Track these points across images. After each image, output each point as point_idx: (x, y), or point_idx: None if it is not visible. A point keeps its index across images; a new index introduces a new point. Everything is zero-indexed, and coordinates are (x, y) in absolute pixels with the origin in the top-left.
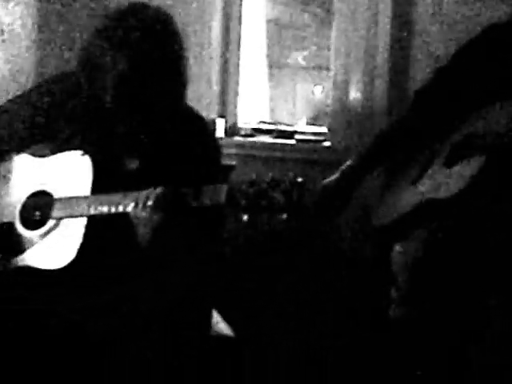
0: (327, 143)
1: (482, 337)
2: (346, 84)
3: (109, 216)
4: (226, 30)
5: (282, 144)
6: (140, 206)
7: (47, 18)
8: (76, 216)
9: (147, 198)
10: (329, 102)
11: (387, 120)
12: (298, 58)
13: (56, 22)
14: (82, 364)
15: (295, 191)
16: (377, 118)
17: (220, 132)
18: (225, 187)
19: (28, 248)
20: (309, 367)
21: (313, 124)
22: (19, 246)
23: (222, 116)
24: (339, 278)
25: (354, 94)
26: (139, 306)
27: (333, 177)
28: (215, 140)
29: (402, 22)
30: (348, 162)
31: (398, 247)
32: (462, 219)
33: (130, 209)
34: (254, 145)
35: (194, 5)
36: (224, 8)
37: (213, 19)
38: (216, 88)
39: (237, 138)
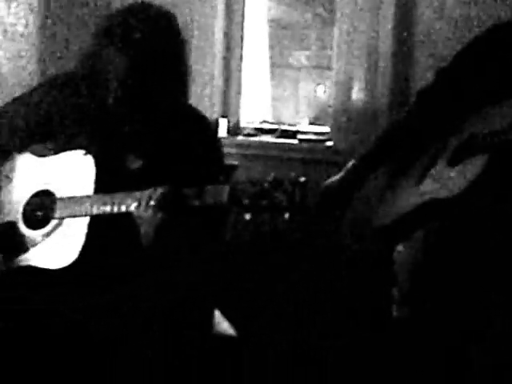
0: (329, 143)
1: (483, 337)
2: (349, 84)
3: (111, 216)
4: (229, 29)
5: (284, 144)
6: (143, 205)
7: (50, 18)
8: (79, 216)
9: (150, 198)
10: (331, 101)
11: (389, 120)
12: (301, 57)
13: (58, 22)
14: (83, 363)
15: (297, 191)
16: (379, 117)
17: (222, 132)
18: (227, 187)
19: (30, 248)
20: (309, 367)
21: (315, 124)
22: (22, 246)
23: (224, 116)
24: (341, 278)
25: (357, 94)
26: (141, 305)
27: (335, 177)
28: (217, 140)
29: (405, 21)
30: (350, 162)
31: (400, 247)
32: (464, 219)
33: (132, 208)
34: (256, 144)
35: (197, 5)
36: (226, 8)
37: (215, 19)
38: (218, 88)
39: (239, 138)
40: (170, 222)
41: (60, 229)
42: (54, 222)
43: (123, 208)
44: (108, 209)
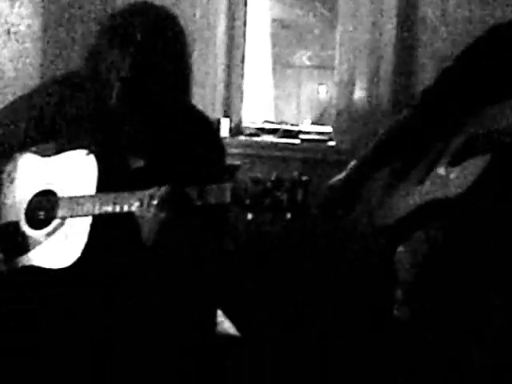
0: (332, 143)
1: (483, 337)
2: (351, 83)
3: (114, 215)
4: (231, 29)
5: (286, 144)
6: (145, 205)
7: (53, 18)
8: (81, 215)
9: (152, 198)
10: (333, 101)
11: (391, 120)
12: (303, 57)
13: (62, 22)
14: (84, 363)
15: (299, 190)
16: (381, 117)
17: (225, 132)
18: (229, 186)
19: (33, 247)
20: (309, 367)
21: (317, 124)
22: (24, 246)
23: (226, 116)
24: (342, 278)
25: (359, 94)
26: (143, 305)
27: (338, 176)
28: (220, 140)
29: (407, 21)
30: (353, 162)
31: (401, 247)
32: (465, 219)
33: (134, 208)
34: (258, 144)
35: (199, 4)
36: (229, 8)
37: (218, 19)
38: (221, 88)
39: (241, 138)
40: (172, 221)
41: (62, 228)
42: (56, 222)
43: (125, 208)
44: (110, 208)
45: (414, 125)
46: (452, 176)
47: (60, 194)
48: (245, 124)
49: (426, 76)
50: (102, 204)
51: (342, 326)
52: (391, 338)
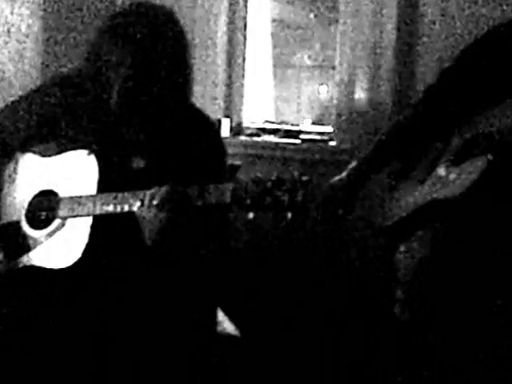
0: (332, 143)
1: (485, 337)
2: (352, 83)
3: (114, 215)
4: (232, 30)
5: (287, 144)
6: (145, 205)
7: (53, 18)
8: (82, 215)
9: (153, 197)
10: (334, 101)
11: (392, 119)
12: (304, 57)
13: (62, 23)
14: (85, 363)
15: (300, 190)
16: (382, 117)
17: (225, 132)
18: (230, 186)
19: (34, 247)
20: (310, 367)
21: (318, 123)
22: (25, 246)
23: (227, 116)
24: (343, 278)
25: (360, 94)
26: (144, 304)
27: (339, 176)
28: (220, 140)
29: (407, 21)
30: (354, 162)
31: (403, 247)
32: (466, 219)
33: (135, 208)
34: (259, 144)
35: (200, 5)
36: (229, 8)
37: (218, 19)
38: (221, 88)
39: (242, 138)
40: (172, 221)
41: (63, 229)
42: (57, 222)
43: (126, 207)
44: (111, 208)
45: (414, 125)
46: (452, 176)
47: (61, 194)
48: (245, 124)
49: (427, 76)
50: (102, 204)
51: (343, 326)
52: (391, 338)
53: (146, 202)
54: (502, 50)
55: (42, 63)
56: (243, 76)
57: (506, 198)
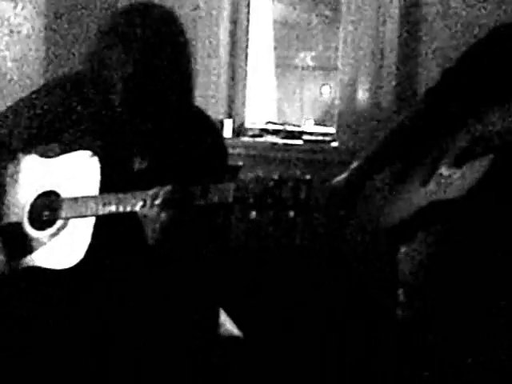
0: (335, 144)
1: (486, 338)
2: (354, 84)
3: (117, 215)
4: (234, 30)
5: (289, 144)
6: (148, 204)
7: (55, 19)
8: (84, 216)
9: (155, 197)
10: (336, 102)
11: (394, 120)
12: (306, 58)
13: (64, 24)
14: (87, 364)
15: (302, 189)
16: (384, 118)
17: (227, 132)
18: (232, 185)
19: (36, 248)
20: (311, 368)
21: (320, 124)
22: (28, 247)
23: (229, 116)
24: (345, 278)
25: (362, 94)
26: (146, 305)
27: (341, 177)
28: (222, 140)
29: (410, 21)
30: (356, 162)
31: (404, 248)
32: (468, 220)
33: (137, 208)
34: (261, 145)
35: (202, 6)
36: (231, 9)
37: (220, 20)
38: (223, 88)
39: (244, 139)
40: (175, 220)
41: (66, 229)
42: (59, 223)
43: (128, 207)
44: (113, 208)
45: (416, 126)
46: (455, 177)
47: (63, 194)
48: (248, 125)
49: (429, 76)
50: (105, 204)
51: (344, 327)
52: (393, 338)
53: (149, 201)
54: (504, 51)
55: (45, 64)
56: (245, 77)
57: (508, 199)
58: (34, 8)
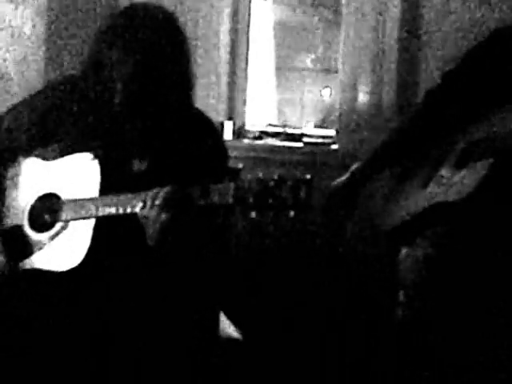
0: (335, 146)
1: (486, 338)
2: (354, 86)
3: (117, 217)
4: (234, 32)
5: (289, 147)
6: (148, 205)
7: (56, 20)
8: (84, 218)
9: (155, 198)
10: (337, 104)
11: (395, 122)
12: (306, 60)
13: (65, 26)
14: (87, 365)
15: (302, 189)
16: (385, 120)
17: (228, 134)
18: (232, 185)
19: (37, 250)
20: (311, 368)
21: (321, 127)
22: (28, 249)
23: (229, 118)
24: (345, 280)
25: (362, 97)
26: (146, 306)
27: (341, 179)
28: (222, 142)
29: (410, 24)
30: (356, 164)
31: (405, 250)
32: (469, 222)
33: (137, 209)
34: (261, 147)
35: (203, 8)
36: (232, 10)
37: (221, 22)
38: (224, 90)
39: (245, 141)
40: (175, 221)
41: (66, 231)
42: (59, 225)
43: (128, 209)
44: (113, 210)
45: (416, 128)
46: (455, 180)
47: (63, 196)
48: (248, 127)
49: (430, 79)
50: (105, 206)
51: (344, 327)
52: (393, 338)
53: (149, 202)
54: (504, 53)
55: (45, 66)
56: (246, 79)
57: (508, 201)
58: (35, 10)
